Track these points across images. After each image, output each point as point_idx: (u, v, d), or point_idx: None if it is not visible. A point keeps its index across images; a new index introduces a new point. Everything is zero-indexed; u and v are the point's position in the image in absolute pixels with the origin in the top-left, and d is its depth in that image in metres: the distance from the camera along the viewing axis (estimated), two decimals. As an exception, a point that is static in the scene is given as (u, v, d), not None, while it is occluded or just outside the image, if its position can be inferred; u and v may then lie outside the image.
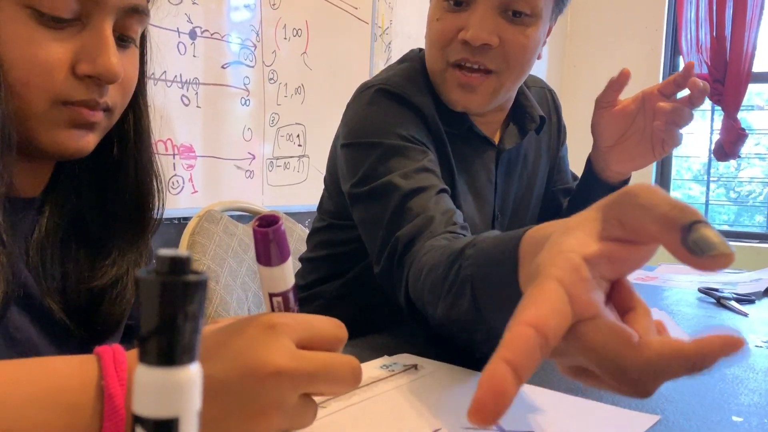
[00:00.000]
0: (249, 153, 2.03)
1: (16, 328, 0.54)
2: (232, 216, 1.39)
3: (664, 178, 3.95)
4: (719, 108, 3.58)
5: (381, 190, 0.83)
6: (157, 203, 0.64)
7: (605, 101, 0.94)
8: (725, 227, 3.93)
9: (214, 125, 1.91)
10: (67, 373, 0.38)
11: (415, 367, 0.63)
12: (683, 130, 0.90)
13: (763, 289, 1.30)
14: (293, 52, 2.18)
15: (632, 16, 3.69)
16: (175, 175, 1.78)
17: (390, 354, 0.66)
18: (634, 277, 1.48)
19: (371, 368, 0.62)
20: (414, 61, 1.01)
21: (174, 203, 1.77)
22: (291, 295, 0.42)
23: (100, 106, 0.54)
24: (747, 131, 3.50)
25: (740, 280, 1.44)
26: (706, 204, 4.02)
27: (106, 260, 0.60)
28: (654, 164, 3.86)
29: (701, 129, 4.05)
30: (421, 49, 1.04)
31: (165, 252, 0.20)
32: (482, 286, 0.52)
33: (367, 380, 0.58)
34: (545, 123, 1.07)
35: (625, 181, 1.03)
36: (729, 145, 3.50)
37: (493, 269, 0.49)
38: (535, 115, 1.05)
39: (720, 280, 1.47)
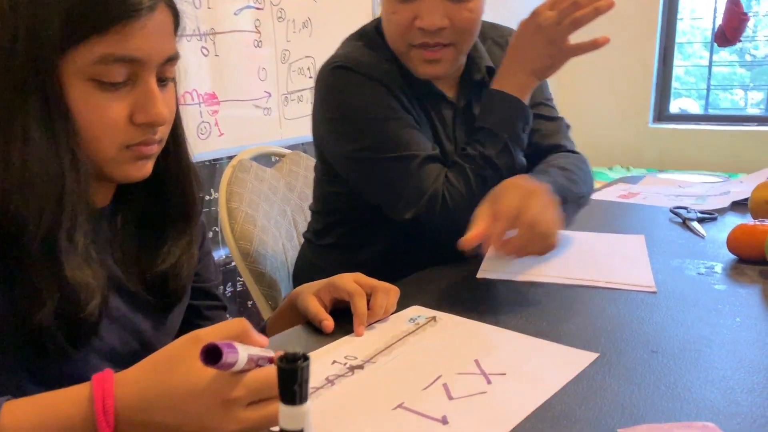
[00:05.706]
0: (265, 91, 2.17)
1: (115, 309, 0.72)
2: (258, 161, 1.55)
3: (669, 42, 4.01)
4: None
5: (400, 157, 1.05)
6: (197, 197, 0.78)
7: None
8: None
9: (232, 70, 2.03)
10: (68, 414, 0.52)
11: (434, 318, 0.84)
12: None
13: (728, 204, 1.46)
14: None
15: None
16: (203, 122, 1.94)
17: (406, 304, 0.88)
18: (617, 196, 1.63)
19: (402, 322, 0.83)
20: (370, 35, 1.15)
21: (204, 147, 1.94)
22: (241, 366, 0.52)
23: (155, 142, 0.69)
24: (749, 15, 3.51)
25: (712, 193, 1.60)
26: (708, 89, 4.07)
27: (163, 248, 0.76)
28: (658, 31, 3.85)
29: (705, 14, 4.03)
30: (375, 21, 1.17)
31: (292, 351, 0.41)
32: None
33: (401, 334, 0.80)
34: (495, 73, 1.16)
35: None
36: (731, 31, 3.52)
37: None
38: (482, 66, 1.18)
39: (695, 192, 1.63)
